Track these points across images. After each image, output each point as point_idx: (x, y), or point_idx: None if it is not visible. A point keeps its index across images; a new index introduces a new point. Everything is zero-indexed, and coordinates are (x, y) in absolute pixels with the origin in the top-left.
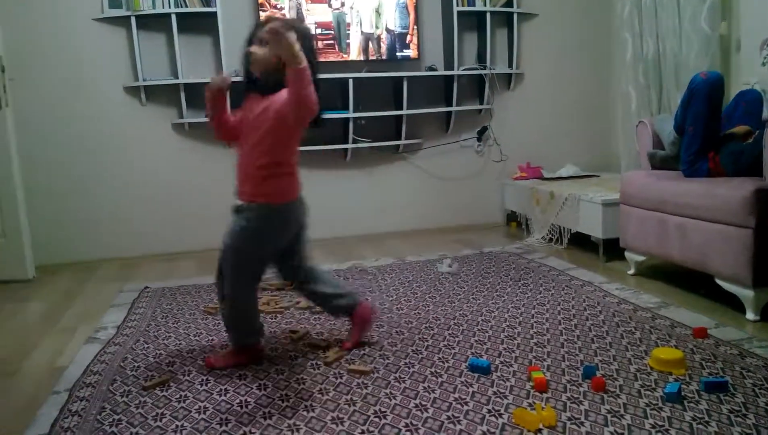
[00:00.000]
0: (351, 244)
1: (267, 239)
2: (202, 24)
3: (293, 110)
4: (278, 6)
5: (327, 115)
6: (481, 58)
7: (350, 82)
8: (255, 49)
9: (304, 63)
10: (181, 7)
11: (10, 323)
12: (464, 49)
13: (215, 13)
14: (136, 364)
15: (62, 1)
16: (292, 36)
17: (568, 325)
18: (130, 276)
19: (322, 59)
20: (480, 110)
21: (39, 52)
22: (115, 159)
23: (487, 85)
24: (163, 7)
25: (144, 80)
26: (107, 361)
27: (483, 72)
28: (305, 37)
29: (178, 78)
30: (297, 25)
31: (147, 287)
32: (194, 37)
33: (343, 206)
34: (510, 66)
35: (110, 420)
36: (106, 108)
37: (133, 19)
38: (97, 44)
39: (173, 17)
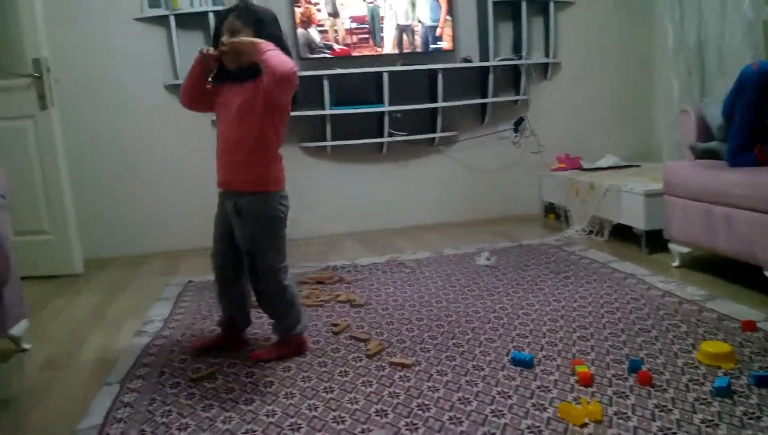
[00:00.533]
0: (388, 238)
1: (282, 225)
2: None
3: (275, 85)
4: (313, 1)
5: (362, 110)
6: (516, 48)
7: (385, 75)
8: (226, 39)
9: (263, 44)
10: (219, 4)
11: (62, 317)
12: (500, 39)
13: None
14: (183, 356)
15: (104, 3)
16: (240, 38)
17: (612, 318)
18: (174, 270)
19: (356, 54)
20: (516, 101)
21: (82, 53)
22: (156, 156)
23: (523, 76)
24: (201, 6)
25: (183, 78)
26: (156, 353)
27: (519, 62)
28: (272, 22)
29: None
30: (260, 12)
31: (191, 281)
32: None
33: (379, 199)
34: (547, 55)
35: (161, 411)
36: (147, 106)
37: (172, 18)
38: (138, 43)
39: (211, 15)
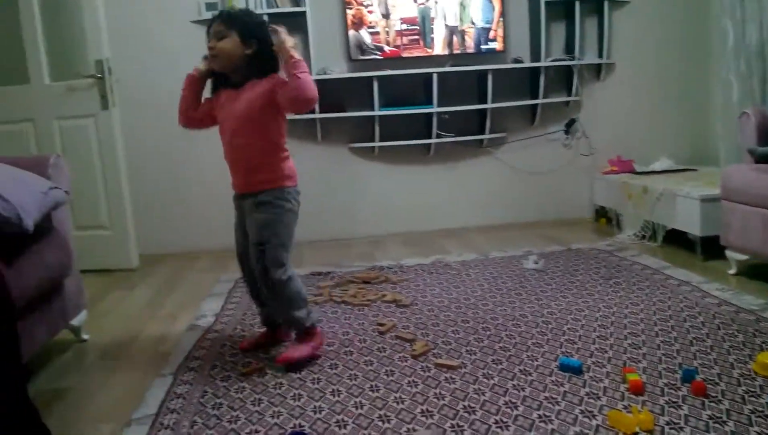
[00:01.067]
0: (433, 239)
1: (296, 220)
2: (291, 23)
3: (294, 103)
4: (364, 3)
5: (411, 111)
6: (569, 48)
7: (434, 76)
8: (215, 44)
9: (300, 62)
10: (273, 7)
11: (118, 309)
12: (551, 39)
13: (305, 12)
14: (234, 351)
15: (164, 6)
16: (284, 36)
17: (665, 326)
18: (224, 267)
19: (406, 55)
20: (567, 102)
21: (141, 54)
22: (208, 155)
23: (575, 76)
24: (256, 8)
25: None
26: (207, 347)
27: (572, 63)
28: (258, 26)
29: None
30: (245, 16)
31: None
32: None
33: (426, 201)
34: (600, 56)
35: (212, 403)
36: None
37: None
38: (194, 45)
39: (265, 18)
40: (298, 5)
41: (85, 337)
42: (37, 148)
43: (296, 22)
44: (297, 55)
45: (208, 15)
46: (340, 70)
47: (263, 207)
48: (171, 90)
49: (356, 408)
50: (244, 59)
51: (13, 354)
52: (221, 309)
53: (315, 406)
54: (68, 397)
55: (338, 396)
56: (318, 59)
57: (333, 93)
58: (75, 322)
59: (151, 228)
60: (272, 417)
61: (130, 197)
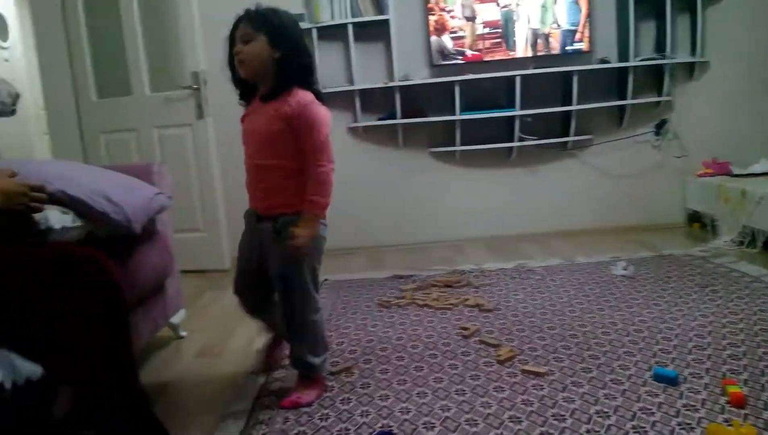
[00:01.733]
0: (515, 243)
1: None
2: (375, 31)
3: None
4: (447, 9)
5: (493, 114)
6: (659, 47)
7: (517, 79)
8: (241, 48)
9: (313, 223)
10: (357, 16)
11: (212, 309)
12: (640, 38)
13: (388, 20)
14: None
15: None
16: (304, 235)
17: (767, 337)
18: None
19: (488, 59)
20: (658, 102)
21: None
22: None
23: (666, 76)
24: (341, 18)
25: (323, 88)
26: None
27: (663, 61)
28: (291, 27)
29: (353, 84)
30: (275, 16)
31: (326, 279)
32: (367, 44)
33: (507, 204)
34: (693, 54)
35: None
36: None
37: (314, 31)
38: None
39: (350, 27)
40: (381, 13)
41: (183, 334)
42: (138, 155)
43: (379, 30)
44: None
45: None
46: (421, 76)
47: (286, 233)
48: None
49: (443, 411)
50: (274, 65)
51: (127, 348)
52: None
53: (402, 407)
54: (169, 390)
55: (424, 398)
56: (400, 66)
57: (414, 99)
58: (174, 319)
59: (240, 231)
60: (361, 416)
61: (224, 201)
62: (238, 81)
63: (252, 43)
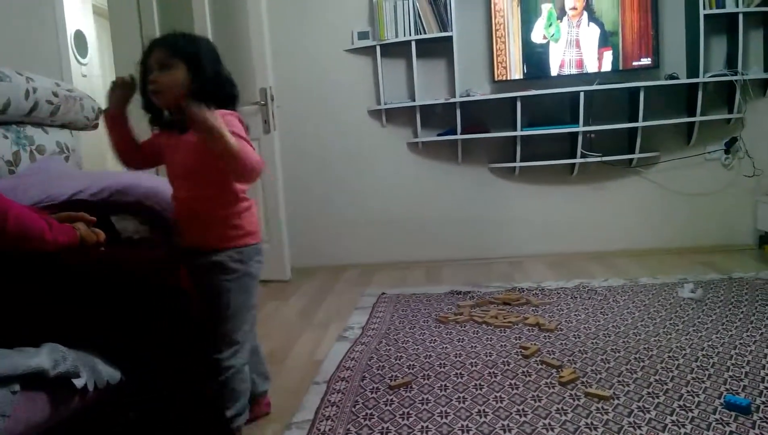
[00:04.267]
0: (577, 262)
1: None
2: (437, 48)
3: (236, 177)
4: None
5: (555, 130)
6: (731, 62)
7: (581, 95)
8: (156, 77)
9: (232, 141)
10: (420, 33)
11: (275, 318)
12: (710, 54)
13: (451, 37)
14: (380, 364)
15: (321, 37)
16: (212, 117)
17: None
18: (368, 282)
19: (552, 75)
20: (729, 120)
21: (299, 82)
22: (358, 175)
23: (738, 92)
24: (405, 36)
25: (385, 104)
26: (356, 358)
27: (734, 78)
28: (210, 54)
29: (414, 100)
30: (193, 43)
31: (384, 293)
32: (429, 60)
33: (568, 222)
34: (766, 70)
35: (363, 414)
36: (352, 130)
37: (377, 48)
38: (347, 73)
39: (413, 44)
40: (444, 30)
41: None
42: None
43: (442, 47)
44: (220, 127)
45: (361, 44)
46: (483, 92)
47: (216, 271)
48: (324, 113)
49: (504, 431)
50: (193, 94)
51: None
52: (366, 322)
53: (462, 425)
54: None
55: (485, 417)
56: (462, 82)
57: (475, 114)
58: None
59: (303, 242)
60: (421, 432)
61: (286, 213)
62: (148, 106)
63: (171, 71)
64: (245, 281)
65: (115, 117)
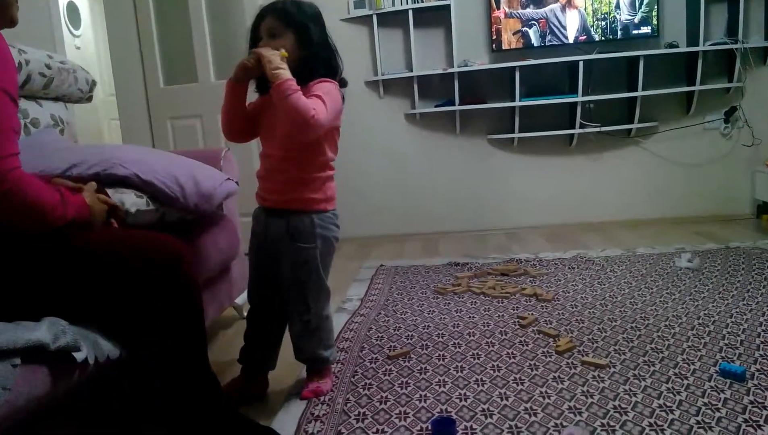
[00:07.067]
0: (574, 233)
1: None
2: (435, 17)
3: (293, 131)
4: None
5: (554, 100)
6: (731, 31)
7: (580, 64)
8: (266, 44)
9: (283, 77)
10: (418, 2)
11: None
12: (711, 22)
13: (449, 5)
14: (379, 335)
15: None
16: (270, 53)
17: None
18: (366, 254)
19: (551, 44)
20: (728, 89)
21: None
22: (356, 147)
23: (738, 61)
24: (402, 4)
25: (382, 75)
26: (355, 329)
27: (734, 46)
28: (317, 21)
29: (412, 71)
30: (302, 11)
31: (382, 265)
32: (427, 30)
33: (566, 193)
34: (766, 38)
35: (362, 383)
36: (348, 101)
37: (374, 18)
38: (343, 43)
39: (410, 13)
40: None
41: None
42: (203, 141)
43: (440, 16)
44: (282, 73)
45: (357, 13)
46: (481, 62)
47: (299, 237)
48: None
49: (501, 399)
50: (298, 63)
51: (199, 326)
52: (365, 294)
53: (460, 394)
54: (232, 369)
55: (482, 386)
56: (459, 52)
57: (473, 85)
58: (239, 300)
59: None
60: (419, 401)
61: None
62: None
63: (279, 39)
64: (324, 245)
65: (235, 87)
